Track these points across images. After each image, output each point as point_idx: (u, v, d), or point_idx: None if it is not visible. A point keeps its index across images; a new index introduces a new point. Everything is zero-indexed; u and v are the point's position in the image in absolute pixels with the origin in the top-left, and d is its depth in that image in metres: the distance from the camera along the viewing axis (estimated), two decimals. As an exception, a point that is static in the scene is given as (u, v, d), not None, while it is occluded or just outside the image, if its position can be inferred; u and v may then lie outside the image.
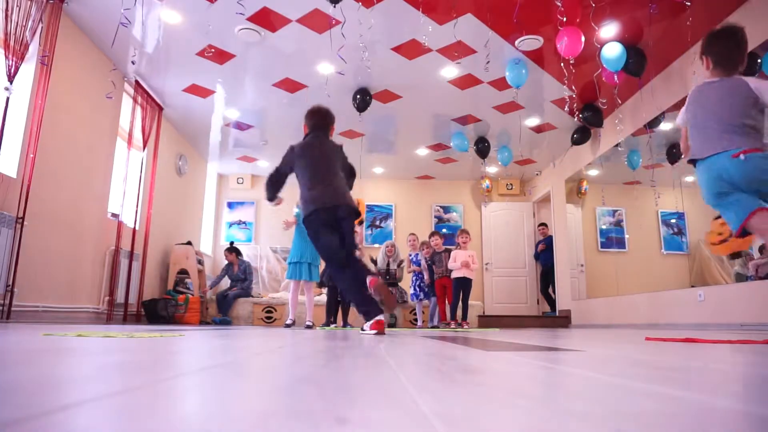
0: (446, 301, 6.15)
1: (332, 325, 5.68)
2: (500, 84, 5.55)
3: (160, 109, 6.26)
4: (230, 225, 9.04)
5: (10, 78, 3.66)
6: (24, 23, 3.70)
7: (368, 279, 3.03)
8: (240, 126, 6.94)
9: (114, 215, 5.41)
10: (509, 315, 8.19)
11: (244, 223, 9.07)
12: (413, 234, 6.73)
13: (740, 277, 4.45)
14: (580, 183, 7.37)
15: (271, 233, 8.86)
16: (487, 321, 7.62)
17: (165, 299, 6.19)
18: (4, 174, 3.74)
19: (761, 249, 4.30)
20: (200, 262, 7.18)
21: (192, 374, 0.80)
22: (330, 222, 3.15)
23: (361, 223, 5.37)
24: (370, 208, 9.24)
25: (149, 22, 4.54)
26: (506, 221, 9.05)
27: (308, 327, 5.02)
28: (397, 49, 4.97)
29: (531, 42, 4.74)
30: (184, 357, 1.18)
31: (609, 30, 4.52)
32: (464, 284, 5.93)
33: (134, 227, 5.74)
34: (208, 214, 8.71)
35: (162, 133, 6.39)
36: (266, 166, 8.60)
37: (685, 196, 5.13)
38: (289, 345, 1.73)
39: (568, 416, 0.46)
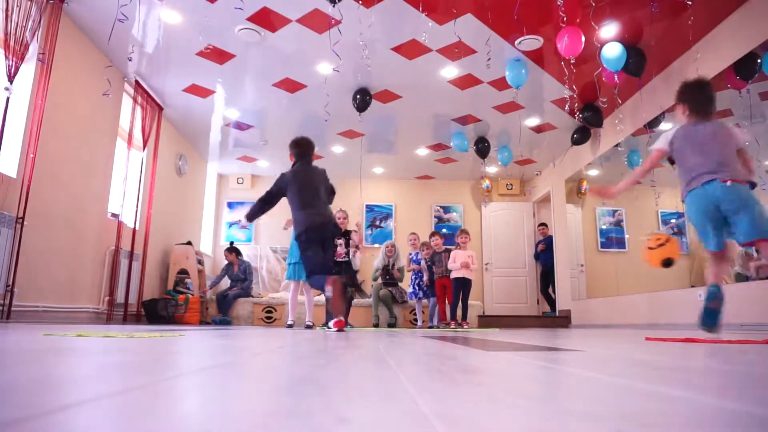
0: (446, 301, 6.15)
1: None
2: (500, 84, 5.55)
3: (160, 109, 6.26)
4: (230, 225, 9.04)
5: (10, 78, 3.66)
6: (24, 23, 3.70)
7: (327, 279, 3.62)
8: (240, 126, 6.94)
9: (114, 215, 5.41)
10: (509, 315, 8.19)
11: (244, 223, 9.06)
12: (414, 233, 6.74)
13: (740, 277, 4.45)
14: (580, 183, 7.37)
15: (271, 233, 8.85)
16: (487, 321, 7.62)
17: (165, 299, 6.19)
18: (4, 174, 3.74)
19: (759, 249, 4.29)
20: (200, 262, 7.18)
21: (192, 374, 0.80)
22: (317, 239, 3.80)
23: (347, 235, 5.53)
24: (370, 208, 9.23)
25: (149, 22, 4.54)
26: (506, 221, 9.05)
27: (308, 327, 5.02)
28: (397, 49, 4.97)
29: (531, 42, 4.74)
30: (184, 357, 1.18)
31: (609, 30, 4.52)
32: (464, 284, 5.93)
33: (134, 227, 5.74)
34: (208, 214, 8.71)
35: (162, 133, 6.39)
36: (266, 166, 8.60)
37: (685, 196, 5.12)
38: (289, 345, 1.73)
39: (568, 416, 0.46)
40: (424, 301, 6.50)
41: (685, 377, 0.82)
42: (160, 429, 0.39)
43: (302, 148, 4.08)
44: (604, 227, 6.98)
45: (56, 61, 4.16)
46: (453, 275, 5.93)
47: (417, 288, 6.40)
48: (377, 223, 9.23)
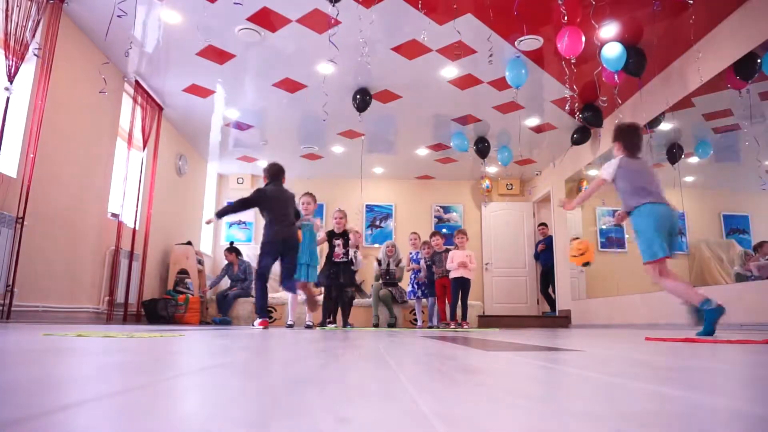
0: (446, 301, 6.15)
1: (331, 325, 5.68)
2: (500, 84, 5.55)
3: (160, 109, 6.26)
4: (230, 225, 9.04)
5: (10, 78, 3.65)
6: (24, 23, 3.70)
7: (297, 283, 4.41)
8: (240, 126, 6.94)
9: (114, 215, 5.41)
10: (509, 315, 8.19)
11: (244, 223, 9.07)
12: (415, 233, 6.74)
13: (740, 277, 4.45)
14: (580, 183, 7.37)
15: (271, 233, 8.84)
16: (487, 321, 7.62)
17: (165, 299, 6.19)
18: (4, 174, 3.74)
19: (756, 248, 4.32)
20: (200, 262, 7.18)
21: (192, 374, 0.80)
22: (277, 250, 4.53)
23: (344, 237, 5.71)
24: (370, 208, 9.23)
25: (149, 21, 4.54)
26: (506, 221, 9.04)
27: (308, 327, 5.02)
28: (397, 49, 4.97)
29: (531, 42, 4.74)
30: (184, 357, 1.18)
31: (609, 30, 4.52)
32: (462, 284, 5.93)
33: (134, 227, 5.74)
34: (208, 214, 8.71)
35: (162, 133, 6.39)
36: (266, 166, 8.59)
37: (685, 196, 5.12)
38: (288, 345, 1.73)
39: (568, 416, 0.46)
40: (424, 300, 6.50)
41: (685, 377, 0.82)
42: (160, 429, 0.39)
43: (275, 172, 4.80)
44: (604, 227, 6.97)
45: (56, 61, 4.16)
46: (451, 275, 5.93)
47: (416, 287, 6.41)
48: (377, 223, 9.22)
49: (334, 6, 4.05)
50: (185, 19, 4.50)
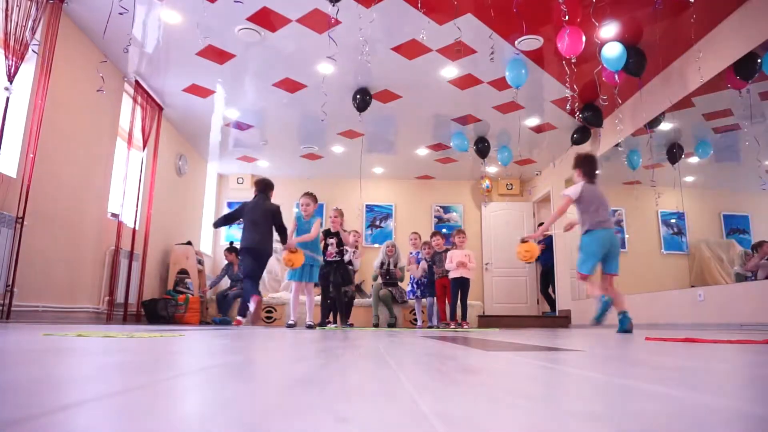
0: (446, 301, 6.15)
1: (332, 325, 5.68)
2: (500, 84, 5.55)
3: (160, 109, 6.26)
4: (230, 225, 9.03)
5: (10, 78, 3.65)
6: (24, 23, 3.70)
7: (254, 297, 4.61)
8: (240, 126, 6.94)
9: (114, 215, 5.41)
10: (509, 315, 8.19)
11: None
12: (416, 233, 6.74)
13: (740, 277, 4.45)
14: (580, 183, 7.36)
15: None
16: (487, 321, 7.62)
17: (165, 299, 6.19)
18: (4, 174, 3.74)
19: (755, 247, 4.33)
20: (200, 262, 7.18)
21: (192, 374, 0.80)
22: (251, 255, 4.81)
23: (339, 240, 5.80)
24: (370, 208, 9.23)
25: (149, 21, 4.54)
26: (506, 221, 9.04)
27: (309, 327, 5.02)
28: (397, 49, 4.97)
29: (531, 42, 4.74)
30: (184, 357, 1.18)
31: (609, 30, 4.52)
32: (462, 284, 5.93)
33: (134, 227, 5.74)
34: (208, 214, 8.71)
35: (162, 133, 6.39)
36: (266, 166, 8.60)
37: (685, 196, 5.13)
38: (289, 345, 1.73)
39: (568, 416, 0.46)
40: (424, 300, 6.50)
41: (685, 377, 0.82)
42: (160, 429, 0.39)
43: (260, 187, 5.07)
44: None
45: (56, 61, 4.16)
46: (451, 275, 5.93)
47: (415, 286, 6.40)
48: (377, 223, 9.22)
49: (334, 6, 4.05)
50: (185, 19, 4.50)
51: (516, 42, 4.75)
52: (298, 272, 5.06)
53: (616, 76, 4.72)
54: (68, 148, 4.56)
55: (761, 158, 4.16)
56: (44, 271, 4.23)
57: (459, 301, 5.95)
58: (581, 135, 6.51)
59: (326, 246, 5.72)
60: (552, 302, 8.27)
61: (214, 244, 8.90)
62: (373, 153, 7.94)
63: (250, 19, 4.49)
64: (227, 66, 5.31)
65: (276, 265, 8.82)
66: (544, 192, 8.55)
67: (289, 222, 5.19)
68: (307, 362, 1.02)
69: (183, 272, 6.85)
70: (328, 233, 5.77)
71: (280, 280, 8.48)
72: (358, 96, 5.74)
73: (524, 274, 8.87)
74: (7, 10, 3.57)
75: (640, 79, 4.94)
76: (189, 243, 7.03)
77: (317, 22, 4.50)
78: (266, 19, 4.51)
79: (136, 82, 5.57)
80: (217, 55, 5.09)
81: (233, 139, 7.47)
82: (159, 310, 6.00)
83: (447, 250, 6.26)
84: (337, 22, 4.33)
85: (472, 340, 2.31)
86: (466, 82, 5.59)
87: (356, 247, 6.23)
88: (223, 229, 9.01)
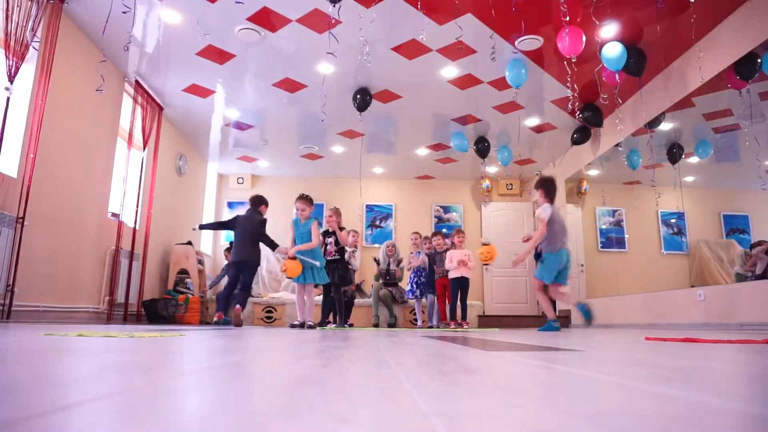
0: (446, 301, 6.15)
1: (332, 325, 5.68)
2: (500, 84, 5.55)
3: (160, 109, 6.26)
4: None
5: (11, 78, 3.65)
6: (24, 23, 3.70)
7: (237, 306, 4.90)
8: (240, 126, 6.94)
9: (114, 215, 5.41)
10: (509, 315, 8.19)
11: (244, 223, 9.06)
12: (416, 233, 6.74)
13: (740, 277, 4.45)
14: (580, 183, 7.37)
15: (270, 233, 8.84)
16: (486, 321, 7.62)
17: (165, 299, 6.19)
18: (4, 174, 3.74)
19: (754, 247, 4.35)
20: (200, 262, 7.18)
21: (192, 374, 0.80)
22: (238, 266, 5.15)
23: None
24: (370, 208, 9.23)
25: (149, 21, 4.54)
26: (506, 221, 9.04)
27: (309, 327, 5.03)
28: (397, 49, 4.96)
29: (531, 42, 4.73)
30: (184, 357, 1.18)
31: (609, 29, 4.52)
32: (462, 284, 5.92)
33: (134, 227, 5.74)
34: (209, 214, 8.71)
35: (162, 133, 6.39)
36: (266, 166, 8.60)
37: (685, 196, 5.13)
38: (289, 345, 1.73)
39: (568, 416, 0.46)
40: (424, 300, 6.50)
41: (685, 377, 0.82)
42: (160, 429, 0.39)
43: (253, 202, 5.44)
44: (604, 227, 6.98)
45: (56, 61, 4.16)
46: (451, 275, 5.92)
47: (414, 286, 6.40)
48: (377, 223, 9.22)
49: (334, 6, 4.05)
50: (185, 18, 4.50)
51: (516, 42, 4.75)
52: (302, 275, 5.08)
53: (617, 76, 4.72)
54: (68, 148, 4.56)
55: (761, 158, 4.16)
56: (45, 271, 4.23)
57: (459, 301, 5.95)
58: (581, 135, 6.51)
59: (325, 246, 5.73)
60: (552, 302, 8.26)
61: (214, 244, 8.90)
62: (373, 153, 7.94)
63: (250, 19, 4.49)
64: (227, 66, 5.31)
65: (276, 265, 8.82)
66: (544, 192, 8.53)
67: (288, 232, 5.30)
68: (307, 362, 1.02)
69: (183, 272, 6.85)
70: (326, 233, 5.78)
71: (280, 280, 8.48)
72: (358, 96, 5.74)
73: (524, 274, 8.86)
74: (7, 10, 3.57)
75: (640, 79, 4.94)
76: (189, 243, 7.03)
77: (317, 22, 4.50)
78: (266, 19, 4.51)
79: (137, 82, 5.57)
80: (217, 55, 5.09)
81: (233, 139, 7.47)
82: (159, 310, 6.00)
83: (447, 250, 6.26)
84: (338, 22, 4.33)
85: (472, 340, 2.31)
86: (466, 82, 5.59)
87: (355, 247, 6.23)
88: (224, 230, 9.01)
